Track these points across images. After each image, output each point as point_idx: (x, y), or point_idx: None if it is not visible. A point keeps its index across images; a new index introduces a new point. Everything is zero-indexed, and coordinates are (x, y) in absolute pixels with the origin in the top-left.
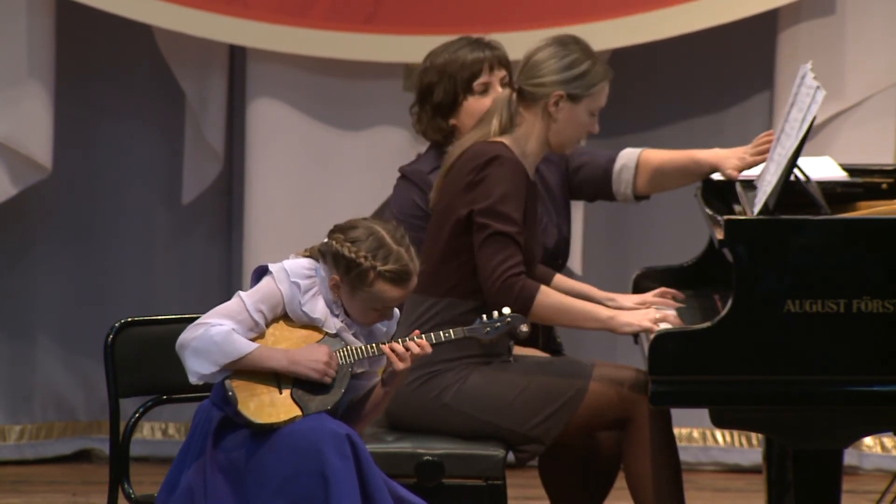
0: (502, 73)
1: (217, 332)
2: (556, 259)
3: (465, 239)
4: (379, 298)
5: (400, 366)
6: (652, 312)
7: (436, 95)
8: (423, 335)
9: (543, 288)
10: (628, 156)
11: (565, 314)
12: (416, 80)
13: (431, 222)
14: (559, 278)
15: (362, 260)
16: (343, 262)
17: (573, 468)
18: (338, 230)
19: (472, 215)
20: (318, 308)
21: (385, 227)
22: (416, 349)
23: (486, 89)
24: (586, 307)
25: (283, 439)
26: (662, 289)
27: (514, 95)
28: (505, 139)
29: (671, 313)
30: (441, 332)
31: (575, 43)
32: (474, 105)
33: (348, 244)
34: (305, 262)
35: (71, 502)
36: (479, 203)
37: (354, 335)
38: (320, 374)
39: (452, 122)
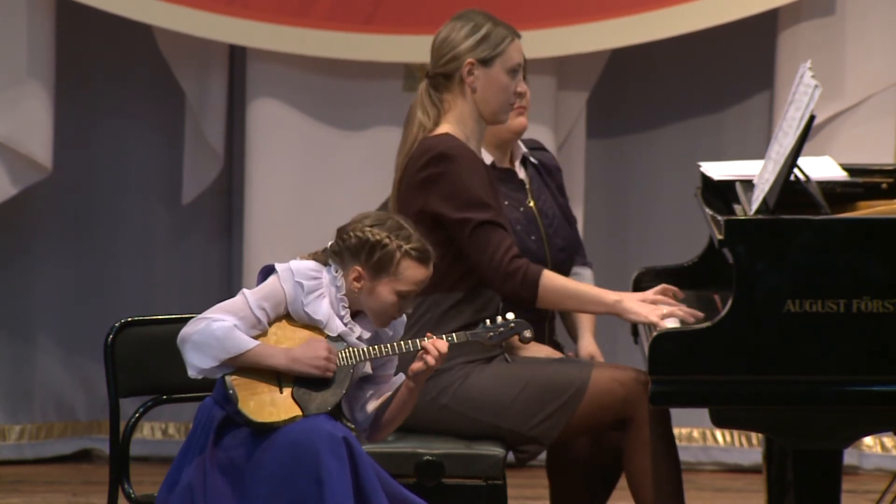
0: None
1: (219, 328)
2: (577, 252)
3: (433, 236)
4: (405, 279)
5: (432, 362)
6: (660, 309)
7: None
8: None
9: (546, 271)
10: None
11: (571, 297)
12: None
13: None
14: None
15: (387, 241)
16: (366, 248)
17: (578, 468)
18: (351, 223)
19: (444, 213)
20: (321, 310)
21: (392, 214)
22: (444, 349)
23: None
24: (592, 290)
25: (282, 439)
26: (663, 286)
27: (429, 84)
28: (446, 128)
29: (679, 310)
30: (444, 336)
31: (469, 13)
32: None
33: (369, 228)
34: (311, 265)
35: (71, 502)
36: (449, 200)
37: (359, 339)
38: (322, 371)
39: None
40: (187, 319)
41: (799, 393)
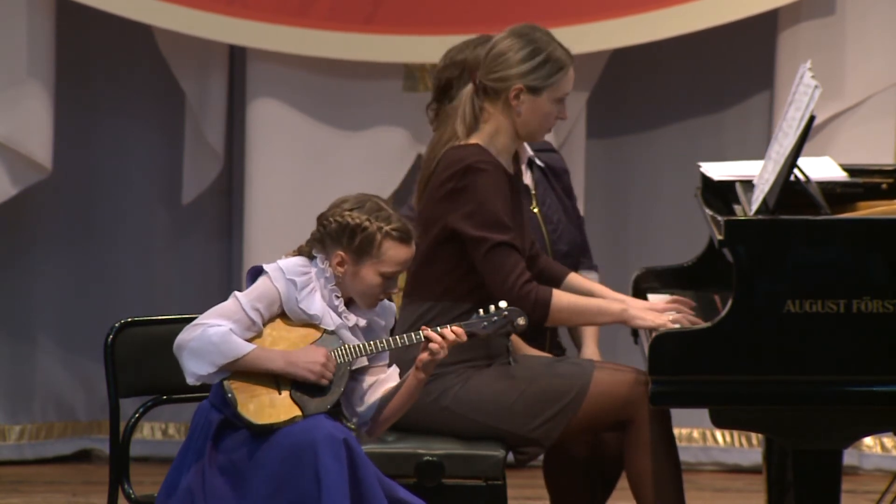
0: None
1: (215, 333)
2: (583, 255)
3: (450, 246)
4: (387, 261)
5: (439, 352)
6: (666, 315)
7: (455, 90)
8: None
9: (555, 292)
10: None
11: (580, 314)
12: (434, 76)
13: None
14: (573, 277)
15: (367, 223)
16: (347, 232)
17: (578, 469)
18: (330, 209)
19: (463, 228)
20: (315, 305)
21: (372, 195)
22: (451, 336)
23: None
24: (598, 304)
25: (282, 440)
26: (676, 297)
27: (476, 91)
28: (477, 139)
29: (685, 319)
30: (438, 329)
31: (533, 32)
32: None
33: (348, 212)
34: (298, 261)
35: (71, 502)
36: (470, 216)
37: (352, 330)
38: (317, 376)
39: None
40: (187, 319)
41: (799, 393)
